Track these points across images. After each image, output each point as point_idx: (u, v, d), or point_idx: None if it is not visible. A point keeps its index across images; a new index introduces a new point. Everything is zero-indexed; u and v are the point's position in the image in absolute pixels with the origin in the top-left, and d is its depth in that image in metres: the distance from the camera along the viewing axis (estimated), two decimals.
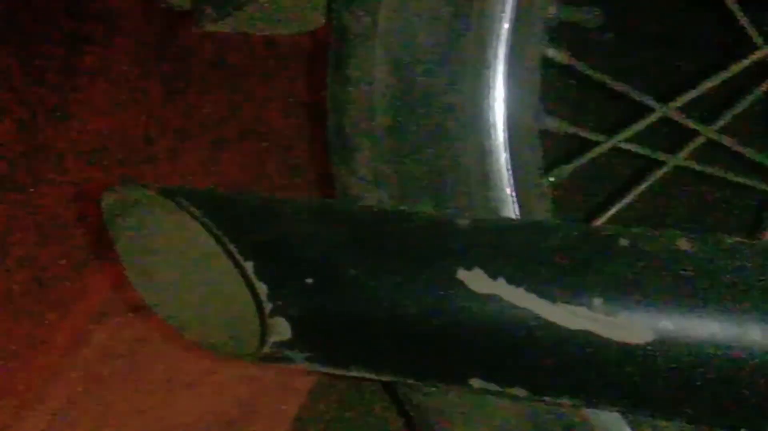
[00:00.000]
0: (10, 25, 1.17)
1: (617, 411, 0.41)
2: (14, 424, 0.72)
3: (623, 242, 0.31)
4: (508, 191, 0.43)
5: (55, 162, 0.98)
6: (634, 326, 0.29)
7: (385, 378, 0.34)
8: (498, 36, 0.42)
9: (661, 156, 0.48)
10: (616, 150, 0.48)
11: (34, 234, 0.90)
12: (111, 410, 0.73)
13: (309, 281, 0.31)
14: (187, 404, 0.74)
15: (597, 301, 0.30)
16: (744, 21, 0.43)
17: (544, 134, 0.46)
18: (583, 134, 0.47)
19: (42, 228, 0.91)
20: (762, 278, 0.28)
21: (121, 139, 1.02)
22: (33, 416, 0.73)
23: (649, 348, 0.29)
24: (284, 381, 0.73)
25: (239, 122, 1.06)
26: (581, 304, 0.30)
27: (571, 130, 0.47)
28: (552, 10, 0.45)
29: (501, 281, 0.31)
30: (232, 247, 0.32)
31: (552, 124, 0.46)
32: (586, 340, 0.30)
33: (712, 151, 0.49)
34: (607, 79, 0.45)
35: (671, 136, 0.51)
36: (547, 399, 0.32)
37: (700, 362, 0.28)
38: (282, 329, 0.32)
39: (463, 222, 0.32)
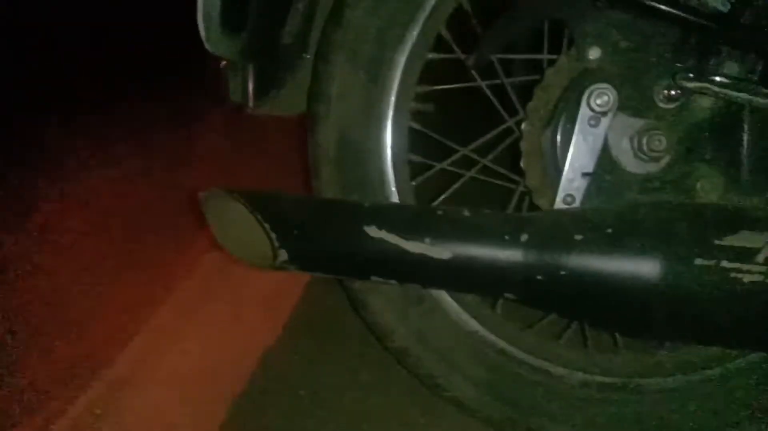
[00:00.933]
0: None
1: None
2: None
3: (439, 212, 0.69)
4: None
5: None
6: (434, 248, 0.66)
7: (337, 276, 0.71)
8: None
9: None
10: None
11: None
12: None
13: (295, 233, 0.68)
14: None
15: (429, 239, 0.66)
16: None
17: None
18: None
19: None
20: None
21: None
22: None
23: (451, 259, 0.66)
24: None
25: None
26: (419, 241, 0.67)
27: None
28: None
29: (386, 232, 0.68)
30: (260, 218, 0.69)
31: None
32: (420, 256, 0.66)
33: None
34: None
35: None
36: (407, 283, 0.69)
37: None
38: (283, 254, 0.69)
39: (367, 204, 0.70)
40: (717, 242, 0.57)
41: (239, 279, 1.38)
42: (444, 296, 0.90)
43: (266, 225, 0.66)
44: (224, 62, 0.96)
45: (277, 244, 0.67)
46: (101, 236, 1.52)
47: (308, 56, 0.91)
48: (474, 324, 0.90)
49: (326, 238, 0.67)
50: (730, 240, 0.57)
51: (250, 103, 0.90)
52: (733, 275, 0.56)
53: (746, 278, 0.56)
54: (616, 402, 0.87)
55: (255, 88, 0.93)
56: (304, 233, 0.67)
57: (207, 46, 0.91)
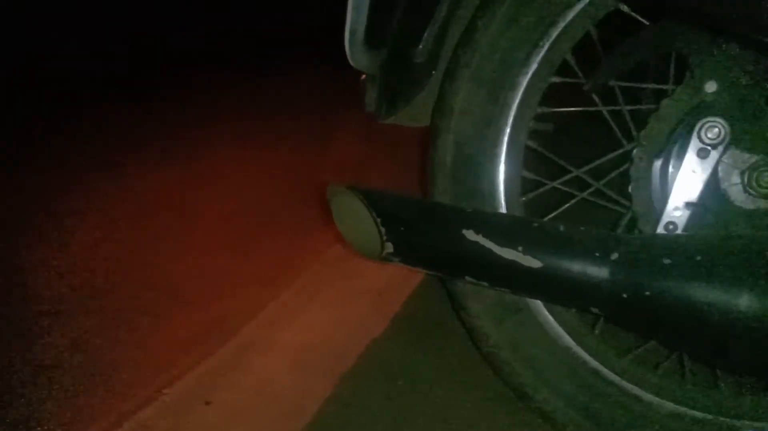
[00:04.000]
0: None
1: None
2: None
3: (535, 224, 0.74)
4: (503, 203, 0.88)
5: None
6: (525, 256, 0.71)
7: (434, 272, 0.79)
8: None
9: None
10: None
11: None
12: None
13: (401, 229, 0.77)
14: None
15: (522, 248, 0.72)
16: None
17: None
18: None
19: None
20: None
21: None
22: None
23: (540, 268, 0.71)
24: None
25: None
26: (513, 248, 0.72)
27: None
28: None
29: (482, 237, 0.74)
30: (373, 214, 0.78)
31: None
32: (511, 262, 0.72)
33: None
34: None
35: None
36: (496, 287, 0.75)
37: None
38: (389, 247, 0.78)
39: (469, 209, 0.77)
40: None
41: (356, 272, 1.51)
42: (541, 309, 0.94)
43: (378, 220, 0.76)
44: (364, 76, 1.08)
45: (384, 237, 0.76)
46: (242, 221, 1.73)
47: (436, 74, 1.00)
48: (569, 341, 0.93)
49: (428, 236, 0.75)
50: None
51: (383, 113, 1.01)
52: None
53: None
54: None
55: (387, 100, 1.04)
56: (409, 230, 0.75)
57: (350, 60, 1.04)
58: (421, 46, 1.01)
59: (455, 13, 0.96)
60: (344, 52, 0.96)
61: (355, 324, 1.35)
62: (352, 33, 1.02)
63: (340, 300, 1.44)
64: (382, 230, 0.76)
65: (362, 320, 1.36)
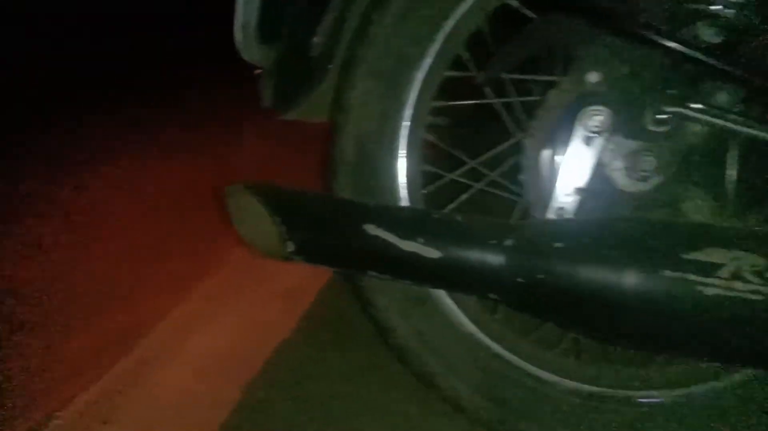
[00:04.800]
0: None
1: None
2: None
3: (434, 215, 0.74)
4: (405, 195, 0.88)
5: None
6: (425, 248, 0.71)
7: (338, 268, 0.77)
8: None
9: None
10: None
11: None
12: None
13: (302, 226, 0.75)
14: None
15: (422, 239, 0.72)
16: None
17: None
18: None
19: None
20: None
21: None
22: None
23: (440, 258, 0.71)
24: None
25: None
26: (413, 240, 0.72)
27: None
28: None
29: (383, 231, 0.74)
30: (271, 212, 0.76)
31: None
32: (412, 254, 0.72)
33: None
34: None
35: None
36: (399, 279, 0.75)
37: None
38: (290, 246, 0.75)
39: (369, 203, 0.77)
40: (685, 256, 0.61)
41: (263, 274, 1.47)
42: (445, 299, 0.95)
43: (276, 218, 0.73)
44: (259, 70, 1.05)
45: (285, 236, 0.74)
46: (142, 225, 1.64)
47: (333, 67, 0.99)
48: (472, 328, 0.96)
49: (329, 233, 0.74)
50: (696, 255, 0.61)
51: (280, 108, 0.98)
52: (697, 287, 0.60)
53: (709, 291, 0.60)
54: (604, 412, 0.90)
55: (284, 95, 1.01)
56: (310, 227, 0.74)
57: (243, 54, 1.00)
58: (316, 40, 0.99)
59: (350, 6, 0.95)
60: None
61: (263, 327, 1.32)
62: (244, 26, 0.99)
63: (248, 304, 1.39)
64: (282, 228, 0.74)
65: (270, 322, 1.33)
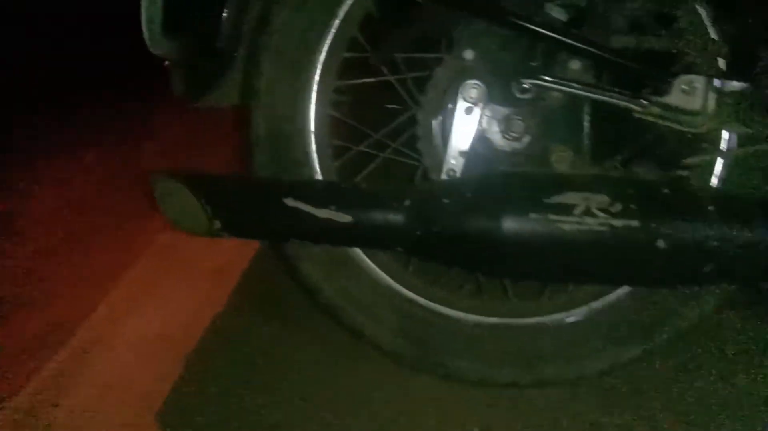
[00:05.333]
0: None
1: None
2: None
3: (342, 185, 0.85)
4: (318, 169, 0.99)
5: None
6: (338, 214, 0.82)
7: (263, 239, 0.87)
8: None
9: None
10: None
11: None
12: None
13: (226, 205, 0.84)
14: None
15: (334, 207, 0.83)
16: None
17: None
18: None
19: None
20: None
21: None
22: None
23: (351, 221, 0.83)
24: None
25: None
26: (326, 208, 0.83)
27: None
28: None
29: (300, 203, 0.84)
30: (197, 195, 0.84)
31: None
32: (327, 220, 0.83)
33: None
34: None
35: None
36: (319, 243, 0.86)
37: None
38: (217, 224, 0.84)
39: (285, 180, 0.87)
40: (546, 201, 0.76)
41: (190, 255, 1.53)
42: (363, 257, 1.07)
43: (202, 200, 0.82)
44: (167, 62, 1.10)
45: (211, 215, 0.83)
46: (63, 220, 1.65)
47: (238, 55, 1.06)
48: (389, 280, 1.08)
49: (251, 208, 0.83)
50: (555, 199, 0.76)
51: (191, 97, 1.05)
52: (557, 225, 0.75)
53: (566, 227, 0.75)
54: (503, 338, 1.06)
55: (194, 84, 1.08)
56: (233, 205, 0.83)
57: (150, 48, 1.05)
58: (220, 31, 1.06)
59: None
60: None
61: (195, 305, 1.39)
62: (149, 22, 1.04)
63: (178, 285, 1.46)
64: (208, 209, 0.83)
65: (202, 300, 1.40)
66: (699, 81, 0.83)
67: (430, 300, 1.08)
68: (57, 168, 1.93)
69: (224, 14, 1.05)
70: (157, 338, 1.28)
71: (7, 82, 2.43)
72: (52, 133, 2.16)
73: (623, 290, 1.04)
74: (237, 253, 1.54)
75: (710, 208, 0.77)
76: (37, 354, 1.21)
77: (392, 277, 1.08)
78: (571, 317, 1.05)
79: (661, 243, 0.75)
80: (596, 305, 1.05)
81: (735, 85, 0.82)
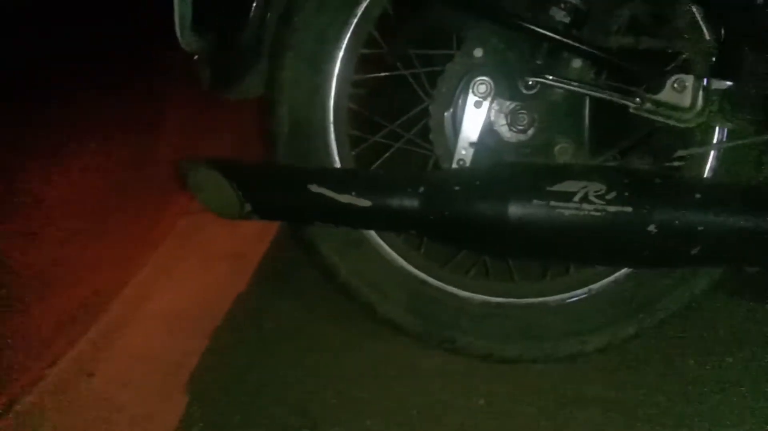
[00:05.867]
0: None
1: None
2: None
3: (362, 173, 0.93)
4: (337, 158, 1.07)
5: None
6: (358, 199, 0.90)
7: (289, 221, 0.96)
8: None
9: None
10: None
11: None
12: None
13: (256, 190, 0.93)
14: None
15: (354, 192, 0.91)
16: None
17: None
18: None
19: None
20: None
21: None
22: None
23: (370, 206, 0.91)
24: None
25: None
26: (347, 194, 0.91)
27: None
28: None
29: (323, 188, 0.92)
30: (231, 181, 0.93)
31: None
32: (348, 205, 0.91)
33: None
34: None
35: None
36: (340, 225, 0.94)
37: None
38: (248, 207, 0.93)
39: (309, 167, 0.95)
40: (548, 188, 0.83)
41: (211, 238, 1.62)
42: (377, 240, 1.15)
43: (234, 185, 0.90)
44: (196, 56, 1.18)
45: (243, 199, 0.91)
46: (89, 205, 1.74)
47: (264, 51, 1.13)
48: (402, 261, 1.17)
49: (279, 193, 0.91)
50: (557, 187, 0.83)
51: (218, 90, 1.13)
52: (557, 211, 0.83)
53: (566, 212, 0.83)
54: (508, 316, 1.14)
55: (222, 78, 1.16)
56: (263, 190, 0.91)
57: (182, 44, 1.13)
58: (246, 28, 1.13)
59: None
60: None
61: (218, 285, 1.48)
62: (181, 19, 1.11)
63: (200, 267, 1.55)
64: (240, 194, 0.91)
65: (225, 280, 1.49)
66: (689, 80, 0.90)
67: (440, 281, 1.16)
68: (81, 156, 2.02)
69: (251, 12, 1.13)
70: (184, 314, 1.37)
71: (27, 73, 2.51)
72: (75, 122, 2.24)
73: (621, 273, 1.12)
74: (256, 237, 1.62)
75: (697, 196, 0.85)
76: (73, 328, 1.30)
77: (404, 258, 1.16)
78: (573, 297, 1.13)
79: (652, 228, 0.83)
80: (595, 286, 1.13)
81: (722, 83, 0.89)
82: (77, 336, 1.27)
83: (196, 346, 1.27)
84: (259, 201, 0.91)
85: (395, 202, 0.88)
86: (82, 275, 1.47)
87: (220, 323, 1.33)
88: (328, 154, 1.13)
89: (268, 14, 1.11)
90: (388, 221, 0.91)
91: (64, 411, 1.10)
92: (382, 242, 1.15)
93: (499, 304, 1.14)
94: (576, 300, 1.14)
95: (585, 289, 1.14)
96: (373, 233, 1.13)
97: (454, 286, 1.15)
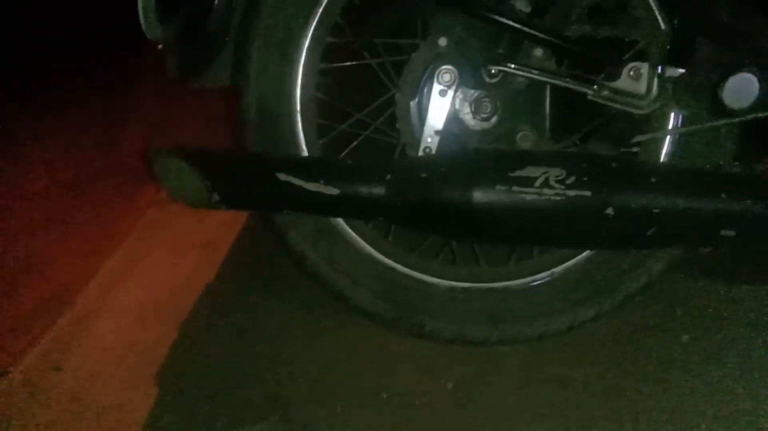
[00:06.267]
0: None
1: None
2: None
3: (329, 161, 0.94)
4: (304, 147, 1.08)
5: None
6: (326, 187, 0.91)
7: (258, 210, 0.96)
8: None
9: None
10: None
11: None
12: None
13: (224, 179, 0.93)
14: None
15: (322, 180, 0.92)
16: None
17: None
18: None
19: None
20: None
21: None
22: None
23: (338, 194, 0.92)
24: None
25: None
26: (316, 182, 0.92)
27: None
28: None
29: (291, 177, 0.93)
30: (198, 169, 0.93)
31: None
32: (317, 193, 0.92)
33: None
34: None
35: None
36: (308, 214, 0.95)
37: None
38: (215, 197, 0.93)
39: (278, 155, 0.95)
40: (511, 174, 0.86)
41: (180, 228, 1.62)
42: (346, 228, 1.17)
43: (201, 174, 0.90)
44: (161, 45, 1.17)
45: (210, 188, 0.92)
46: (54, 197, 1.71)
47: (230, 39, 1.13)
48: (370, 249, 1.18)
49: (247, 182, 0.92)
50: (519, 173, 0.86)
51: (185, 78, 1.12)
52: (519, 195, 0.85)
53: (528, 197, 0.85)
54: (474, 300, 1.17)
55: (187, 67, 1.15)
56: (231, 179, 0.92)
57: (147, 34, 1.12)
58: (212, 16, 1.13)
59: None
60: None
61: (187, 274, 1.48)
62: (145, 8, 1.10)
63: (169, 256, 1.54)
64: (207, 182, 0.91)
65: (194, 270, 1.49)
66: (644, 67, 0.93)
67: (408, 267, 1.18)
68: (44, 149, 1.98)
69: (215, 1, 1.12)
70: (153, 305, 1.36)
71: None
72: (34, 115, 2.19)
73: (582, 256, 1.16)
74: (226, 227, 1.62)
75: (653, 179, 0.88)
76: (39, 322, 1.28)
77: (373, 246, 1.18)
78: (536, 281, 1.17)
79: (610, 211, 0.86)
80: (558, 269, 1.17)
81: (675, 71, 0.93)
82: (44, 330, 1.26)
83: (166, 336, 1.27)
84: (226, 190, 0.92)
85: (363, 190, 0.90)
86: (49, 267, 1.45)
87: (190, 312, 1.33)
88: (296, 143, 1.14)
89: (234, 2, 1.11)
90: (356, 209, 0.92)
91: (32, 406, 1.09)
92: (350, 230, 1.17)
93: (465, 289, 1.17)
94: (539, 284, 1.17)
95: (548, 272, 1.17)
96: (341, 221, 1.14)
97: (422, 272, 1.17)
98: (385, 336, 1.22)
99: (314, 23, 1.11)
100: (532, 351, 1.19)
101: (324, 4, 1.10)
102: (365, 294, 1.18)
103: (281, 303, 1.35)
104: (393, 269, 1.18)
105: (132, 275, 1.45)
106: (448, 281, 1.17)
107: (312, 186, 0.91)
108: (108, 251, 1.51)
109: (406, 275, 1.18)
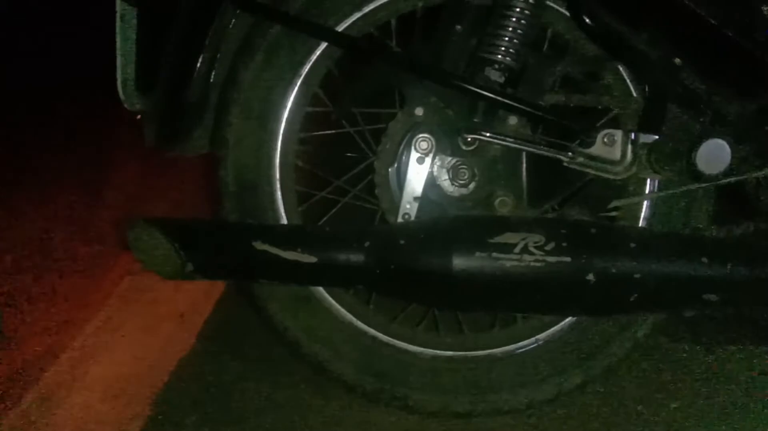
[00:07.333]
0: None
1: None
2: None
3: (307, 229, 0.93)
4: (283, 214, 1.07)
5: None
6: (304, 255, 0.90)
7: (233, 280, 0.94)
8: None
9: None
10: None
11: None
12: None
13: (198, 249, 0.91)
14: None
15: (300, 248, 0.91)
16: None
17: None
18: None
19: None
20: None
21: None
22: None
23: (316, 262, 0.90)
24: None
25: None
26: (293, 250, 0.91)
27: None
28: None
29: (267, 245, 0.91)
30: (170, 240, 0.91)
31: None
32: (294, 262, 0.90)
33: None
34: None
35: None
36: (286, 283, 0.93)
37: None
38: (189, 266, 0.91)
39: (254, 224, 0.94)
40: (490, 240, 0.85)
41: (155, 298, 1.57)
42: (326, 296, 1.14)
43: (175, 244, 0.89)
44: (139, 115, 1.18)
45: (184, 258, 0.90)
46: (28, 265, 1.67)
47: (209, 110, 1.14)
48: (350, 317, 1.15)
49: (222, 251, 0.90)
50: (497, 239, 0.85)
51: (163, 147, 1.12)
52: (499, 262, 0.84)
53: (507, 264, 0.84)
54: (458, 370, 1.14)
55: (166, 135, 1.15)
56: (205, 249, 0.90)
57: (124, 104, 1.13)
58: (191, 87, 1.14)
59: (219, 55, 1.11)
60: None
61: (162, 347, 1.43)
62: (124, 81, 1.11)
63: (144, 328, 1.49)
64: (181, 252, 0.89)
65: (169, 342, 1.44)
66: (618, 134, 0.95)
67: (390, 336, 1.15)
68: (19, 215, 1.96)
69: (195, 70, 1.13)
70: (125, 379, 1.31)
71: None
72: (14, 179, 2.18)
73: (566, 322, 1.14)
74: (203, 294, 1.58)
75: (632, 245, 0.88)
76: (3, 400, 1.22)
77: (353, 314, 1.15)
78: (521, 348, 1.14)
79: (590, 277, 0.85)
80: (542, 336, 1.15)
81: (648, 137, 0.95)
82: (9, 408, 1.19)
83: (138, 413, 1.22)
84: (200, 260, 0.90)
85: (341, 257, 0.88)
86: (17, 341, 1.39)
87: (165, 386, 1.28)
88: (275, 210, 1.13)
89: (213, 72, 1.12)
90: (335, 277, 0.91)
91: None
92: (330, 299, 1.14)
93: (449, 358, 1.14)
94: (524, 351, 1.15)
95: (532, 339, 1.15)
96: (321, 290, 1.12)
97: (405, 341, 1.15)
98: (368, 409, 1.18)
99: (293, 94, 1.12)
100: (518, 422, 1.15)
101: (303, 75, 1.12)
102: (346, 366, 1.14)
103: (259, 375, 1.30)
104: (375, 338, 1.15)
105: (104, 349, 1.40)
106: (431, 350, 1.14)
107: (289, 255, 0.89)
108: (80, 326, 1.46)
109: (387, 345, 1.15)
